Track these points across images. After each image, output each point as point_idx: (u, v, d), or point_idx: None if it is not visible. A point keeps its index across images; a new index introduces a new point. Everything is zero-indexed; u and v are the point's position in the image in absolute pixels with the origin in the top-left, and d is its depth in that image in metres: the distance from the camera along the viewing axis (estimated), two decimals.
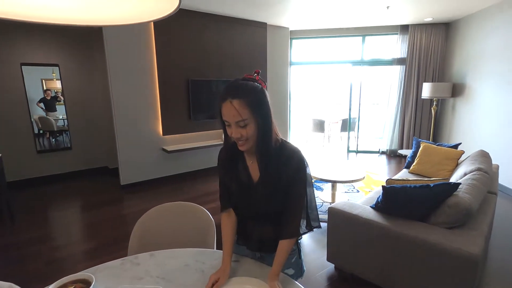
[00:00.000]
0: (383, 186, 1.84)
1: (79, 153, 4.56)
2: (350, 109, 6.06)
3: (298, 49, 6.02)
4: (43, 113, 4.22)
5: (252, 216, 1.09)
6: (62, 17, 0.84)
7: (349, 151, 6.25)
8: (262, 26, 4.98)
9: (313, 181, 1.12)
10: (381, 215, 1.87)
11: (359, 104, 6.04)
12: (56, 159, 4.40)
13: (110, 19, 0.90)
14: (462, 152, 3.01)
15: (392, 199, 1.81)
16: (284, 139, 1.05)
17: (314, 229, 1.09)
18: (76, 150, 4.54)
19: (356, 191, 3.85)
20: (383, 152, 6.00)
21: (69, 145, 4.50)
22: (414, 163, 3.26)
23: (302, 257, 1.19)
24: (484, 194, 1.99)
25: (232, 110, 0.89)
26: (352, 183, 4.07)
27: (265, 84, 0.98)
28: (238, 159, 1.06)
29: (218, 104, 0.93)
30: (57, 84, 4.28)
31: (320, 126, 7.05)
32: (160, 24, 3.90)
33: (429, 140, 5.23)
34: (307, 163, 1.03)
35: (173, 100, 4.21)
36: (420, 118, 5.52)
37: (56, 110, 4.33)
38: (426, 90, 4.86)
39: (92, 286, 0.88)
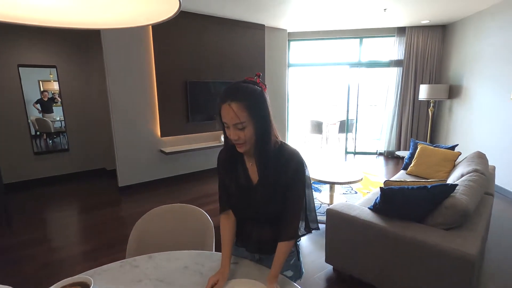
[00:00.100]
0: (381, 188, 1.85)
1: (76, 155, 4.54)
2: (348, 111, 6.08)
3: (296, 51, 6.05)
4: (39, 115, 4.20)
5: (251, 217, 1.10)
6: (61, 20, 0.84)
7: (347, 153, 6.26)
8: (260, 28, 4.99)
9: (311, 182, 1.13)
10: (379, 217, 1.87)
11: (357, 105, 6.07)
12: (53, 160, 4.38)
13: (109, 22, 0.90)
14: (459, 154, 3.03)
15: (390, 200, 1.81)
16: (283, 141, 1.06)
17: (313, 231, 1.10)
18: (73, 152, 4.52)
19: (354, 192, 3.87)
20: (380, 154, 6.02)
21: (66, 147, 4.48)
22: (411, 165, 3.28)
23: (301, 258, 1.19)
24: (481, 195, 2.01)
25: (230, 112, 0.90)
26: (350, 185, 4.09)
27: (265, 87, 0.98)
28: (238, 161, 1.06)
29: (217, 105, 0.93)
30: (55, 86, 4.26)
31: (318, 127, 7.06)
32: (158, 26, 3.90)
33: (426, 141, 5.25)
34: (306, 165, 1.04)
35: (171, 102, 4.20)
36: (417, 119, 5.56)
37: (53, 112, 4.31)
38: (423, 91, 4.89)
39: None
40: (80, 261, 2.40)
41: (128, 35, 3.76)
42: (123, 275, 1.06)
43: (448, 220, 1.68)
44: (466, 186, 1.90)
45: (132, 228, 1.41)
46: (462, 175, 2.28)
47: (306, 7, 4.07)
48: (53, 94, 4.27)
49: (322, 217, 2.87)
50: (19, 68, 3.93)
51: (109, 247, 2.60)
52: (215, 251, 1.28)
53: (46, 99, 4.21)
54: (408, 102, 5.52)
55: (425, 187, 1.75)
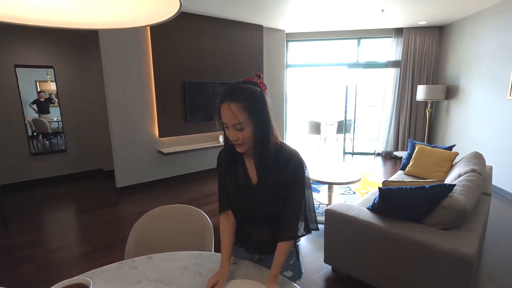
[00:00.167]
0: (379, 188, 1.85)
1: (73, 156, 4.52)
2: (345, 111, 6.10)
3: (294, 52, 6.06)
4: (36, 115, 4.18)
5: (251, 218, 1.09)
6: (60, 20, 0.84)
7: (345, 153, 6.28)
8: (259, 28, 5.00)
9: (311, 183, 1.13)
10: (378, 217, 1.88)
11: (355, 106, 6.09)
12: (50, 161, 4.35)
13: (109, 22, 0.89)
14: (457, 154, 3.05)
15: (389, 200, 1.82)
16: (283, 141, 1.06)
17: (312, 232, 1.09)
18: (70, 153, 4.49)
19: (352, 192, 3.87)
20: (378, 154, 6.04)
21: (63, 148, 4.45)
22: (409, 165, 3.29)
23: (301, 259, 1.19)
24: (479, 195, 2.02)
25: (229, 112, 0.90)
26: (348, 185, 4.10)
27: (266, 87, 0.98)
28: (238, 161, 1.06)
29: (217, 105, 0.93)
30: (51, 86, 4.24)
31: (316, 128, 7.08)
32: (157, 26, 3.90)
33: (423, 141, 5.28)
34: (305, 165, 1.04)
35: (170, 102, 4.19)
36: (415, 120, 5.58)
37: (49, 112, 4.28)
38: (421, 92, 4.91)
39: None
40: (78, 262, 2.38)
41: (126, 36, 3.75)
42: (122, 276, 1.05)
43: (446, 220, 1.69)
44: (464, 186, 1.92)
45: (131, 229, 1.41)
46: (460, 175, 2.29)
47: (304, 7, 4.08)
48: (50, 94, 4.24)
49: (320, 218, 2.87)
50: (16, 68, 3.91)
51: (107, 248, 2.59)
52: (214, 251, 1.28)
53: (42, 100, 4.19)
54: (405, 102, 5.54)
55: (423, 187, 1.76)
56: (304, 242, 2.63)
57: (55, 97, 4.28)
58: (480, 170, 2.26)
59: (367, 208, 2.00)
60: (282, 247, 0.99)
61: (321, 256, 2.22)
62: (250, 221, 1.10)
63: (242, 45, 4.83)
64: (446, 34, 5.17)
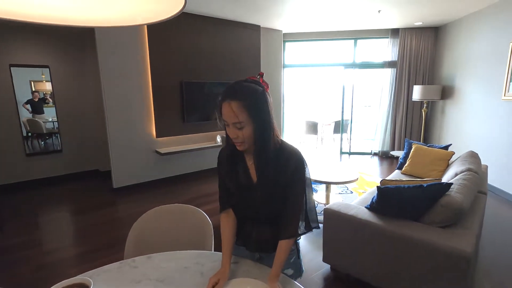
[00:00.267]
0: (377, 187, 1.87)
1: (69, 156, 4.48)
2: (342, 111, 6.13)
3: (291, 52, 6.07)
4: (30, 115, 4.13)
5: (251, 216, 1.10)
6: (57, 17, 0.82)
7: (342, 153, 6.31)
8: (256, 28, 5.00)
9: (311, 181, 1.13)
10: (376, 215, 1.89)
11: (352, 106, 6.12)
12: (46, 162, 4.31)
13: (106, 20, 0.88)
14: (453, 153, 3.08)
15: (387, 199, 1.83)
16: (283, 140, 1.06)
17: (305, 234, 1.09)
18: (66, 153, 4.46)
19: (349, 192, 3.89)
20: (375, 154, 6.08)
21: (59, 148, 4.42)
22: (406, 164, 3.31)
23: (301, 257, 1.20)
24: (475, 194, 2.05)
25: (230, 111, 0.90)
26: (346, 184, 4.12)
27: (268, 86, 0.98)
28: (239, 160, 1.06)
29: (218, 103, 0.93)
30: (46, 86, 4.20)
31: (313, 128, 7.10)
32: (153, 26, 3.88)
33: (420, 141, 5.32)
34: (306, 164, 1.04)
35: (167, 102, 4.18)
36: (411, 120, 5.63)
37: (43, 113, 4.23)
38: (417, 92, 4.96)
39: None
40: (76, 263, 2.36)
41: (123, 35, 3.72)
42: (122, 275, 1.05)
43: (443, 218, 1.71)
44: (461, 185, 1.94)
45: (130, 229, 1.40)
46: (456, 174, 2.31)
47: (302, 8, 4.09)
48: (44, 94, 4.20)
49: (319, 217, 2.88)
50: (11, 68, 3.87)
51: (105, 248, 2.57)
52: (215, 251, 1.27)
53: (36, 100, 4.14)
54: (401, 102, 5.58)
55: (421, 186, 1.77)
56: (302, 241, 2.63)
57: (50, 97, 4.24)
58: (476, 169, 2.29)
59: (365, 207, 2.01)
60: (283, 245, 1.00)
61: (319, 255, 2.23)
62: (251, 220, 1.10)
63: (240, 45, 4.83)
64: (441, 34, 5.22)
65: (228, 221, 1.10)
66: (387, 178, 2.26)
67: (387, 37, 5.54)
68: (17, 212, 3.34)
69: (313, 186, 4.09)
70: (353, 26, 5.25)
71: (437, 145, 3.42)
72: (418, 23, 5.07)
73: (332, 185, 3.72)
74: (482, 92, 4.10)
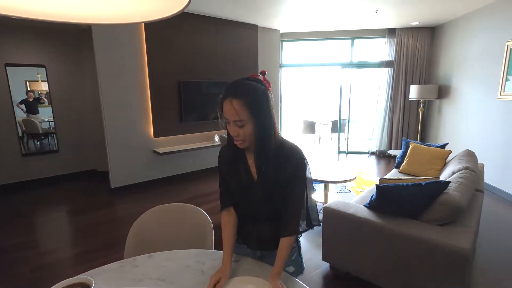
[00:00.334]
0: (376, 185, 1.88)
1: (66, 156, 4.45)
2: (340, 111, 6.15)
3: (289, 51, 6.08)
4: (24, 115, 4.09)
5: (252, 215, 1.10)
6: (55, 14, 0.81)
7: (339, 152, 6.33)
8: (253, 28, 5.00)
9: (312, 179, 1.13)
10: (375, 214, 1.90)
11: (349, 105, 6.14)
12: (42, 162, 4.27)
13: (104, 17, 0.87)
14: (450, 152, 3.10)
15: (386, 197, 1.84)
16: (283, 137, 1.06)
17: (306, 231, 1.09)
18: (63, 153, 4.42)
19: (347, 191, 3.91)
20: (372, 153, 6.11)
21: (55, 148, 4.38)
22: (403, 163, 3.34)
23: (302, 254, 1.20)
24: (472, 192, 2.06)
25: (231, 109, 0.90)
26: (344, 183, 4.13)
27: (270, 85, 0.98)
28: (240, 158, 1.06)
29: (220, 100, 0.93)
30: (42, 86, 4.16)
31: (310, 127, 7.11)
32: (151, 25, 3.87)
33: (417, 140, 5.36)
34: (307, 161, 1.04)
35: (164, 102, 4.16)
36: (408, 119, 5.66)
37: (38, 113, 4.19)
38: (413, 92, 4.99)
39: None
40: (74, 263, 2.35)
41: (120, 34, 3.70)
42: (123, 275, 1.04)
43: (442, 216, 1.72)
44: (458, 183, 1.95)
45: (129, 229, 1.39)
46: (453, 173, 2.33)
47: (299, 8, 4.10)
48: (39, 94, 4.15)
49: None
50: (7, 67, 3.83)
51: (104, 248, 2.56)
52: (215, 249, 1.27)
53: (31, 100, 4.10)
54: (398, 102, 5.62)
55: (419, 184, 1.79)
56: (301, 240, 2.63)
57: (45, 97, 4.19)
58: (473, 168, 2.31)
59: (364, 205, 2.02)
60: (284, 243, 1.00)
61: (318, 254, 2.23)
62: (252, 218, 1.10)
63: (238, 45, 4.83)
64: (438, 34, 5.26)
65: (229, 220, 1.10)
66: (385, 177, 2.27)
67: (384, 37, 5.57)
68: (14, 213, 3.31)
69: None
70: (350, 26, 5.27)
71: (434, 144, 3.45)
72: (414, 23, 5.10)
73: (330, 184, 3.73)
74: (478, 91, 4.14)
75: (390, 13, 4.42)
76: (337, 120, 6.37)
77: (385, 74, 5.65)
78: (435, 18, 4.73)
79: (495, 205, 3.40)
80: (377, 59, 5.78)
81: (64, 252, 2.50)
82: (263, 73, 1.00)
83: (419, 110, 5.22)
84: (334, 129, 6.81)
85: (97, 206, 3.49)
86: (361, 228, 1.89)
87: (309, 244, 2.56)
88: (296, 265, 1.15)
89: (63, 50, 4.21)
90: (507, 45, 3.53)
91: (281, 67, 5.85)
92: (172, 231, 1.46)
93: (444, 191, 1.79)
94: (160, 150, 4.09)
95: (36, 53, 4.02)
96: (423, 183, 1.78)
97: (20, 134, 4.07)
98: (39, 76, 4.12)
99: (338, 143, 6.36)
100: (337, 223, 2.02)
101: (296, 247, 1.16)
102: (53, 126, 4.33)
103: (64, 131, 4.39)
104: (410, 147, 3.38)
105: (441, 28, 5.15)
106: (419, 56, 5.42)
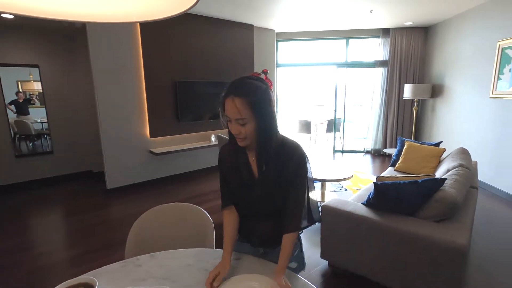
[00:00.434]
0: (374, 183, 1.90)
1: (61, 157, 4.40)
2: (335, 110, 6.19)
3: (285, 51, 6.10)
4: (14, 116, 4.01)
5: (254, 212, 1.10)
6: (49, 11, 0.79)
7: (335, 151, 6.38)
8: (249, 28, 5.01)
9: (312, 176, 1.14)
10: (373, 211, 1.92)
11: (344, 105, 6.19)
12: (36, 163, 4.22)
13: (101, 15, 0.86)
14: (444, 150, 3.15)
15: (383, 195, 1.87)
16: (284, 135, 1.06)
17: (308, 227, 1.11)
18: (58, 154, 4.37)
19: (344, 189, 3.94)
20: (367, 152, 6.16)
21: (50, 149, 4.32)
22: (399, 161, 3.38)
23: (303, 250, 1.21)
24: (467, 188, 2.10)
25: (233, 107, 0.91)
26: (340, 182, 4.16)
27: (271, 84, 0.99)
28: (241, 156, 1.06)
29: (221, 99, 0.94)
30: (34, 86, 4.10)
31: (306, 127, 7.15)
32: (147, 25, 3.84)
33: (411, 139, 5.43)
34: (307, 158, 1.06)
35: (160, 102, 4.14)
36: (402, 118, 5.73)
37: (28, 114, 4.12)
38: (407, 91, 5.05)
39: None
40: (69, 266, 2.32)
41: (115, 34, 3.67)
42: (126, 274, 1.04)
43: (438, 212, 1.75)
44: (454, 180, 1.99)
45: (127, 230, 1.39)
46: (448, 170, 2.37)
47: (294, 7, 4.12)
48: (30, 95, 4.09)
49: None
50: None
51: (103, 249, 2.54)
52: (216, 248, 1.28)
53: (21, 101, 4.03)
54: (393, 101, 5.68)
55: (416, 181, 1.81)
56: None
57: (36, 98, 4.13)
58: (467, 165, 2.36)
59: (362, 203, 2.04)
60: (287, 239, 1.01)
61: (317, 252, 2.25)
62: (253, 215, 1.11)
63: (233, 45, 4.83)
64: (431, 34, 5.34)
65: (230, 218, 1.11)
66: (382, 175, 2.30)
67: (378, 37, 5.62)
68: (9, 215, 3.26)
69: None
70: (345, 25, 5.32)
71: (428, 142, 3.50)
72: (408, 23, 5.16)
73: (327, 183, 3.75)
74: (470, 90, 4.21)
75: (384, 13, 4.47)
76: (333, 120, 6.41)
77: (380, 73, 5.71)
78: (428, 18, 4.80)
79: (488, 202, 3.47)
80: (371, 59, 5.84)
81: (60, 254, 2.47)
82: (265, 72, 1.01)
83: (413, 109, 5.29)
84: (330, 128, 6.86)
85: (93, 207, 3.45)
86: (359, 225, 1.91)
87: (308, 242, 2.58)
88: (298, 261, 1.17)
89: (57, 50, 4.16)
90: (499, 45, 3.60)
91: (276, 66, 5.87)
92: (173, 230, 1.46)
93: (440, 188, 1.82)
94: (157, 151, 4.07)
95: (29, 53, 3.96)
96: (420, 181, 1.81)
97: (12, 136, 4.01)
98: (31, 76, 4.07)
99: (334, 142, 6.40)
100: (335, 221, 2.04)
101: (298, 243, 1.17)
102: (46, 127, 4.27)
103: (59, 132, 4.34)
104: (405, 146, 3.42)
105: (434, 28, 5.23)
106: (412, 56, 5.49)
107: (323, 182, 3.39)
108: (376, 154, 5.99)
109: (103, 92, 3.66)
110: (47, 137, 4.30)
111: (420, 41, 5.43)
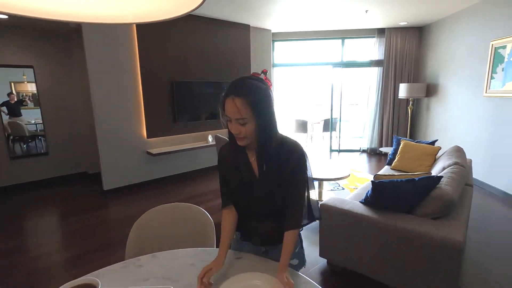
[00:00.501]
0: (372, 181, 1.92)
1: (56, 159, 4.36)
2: (331, 110, 6.23)
3: (281, 51, 6.12)
4: (6, 117, 3.96)
5: (254, 212, 1.11)
6: (44, 11, 0.77)
7: (331, 151, 6.41)
8: (245, 28, 5.01)
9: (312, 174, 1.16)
10: (371, 209, 1.94)
11: (340, 104, 6.23)
12: (31, 165, 4.17)
13: (100, 16, 0.86)
14: (439, 148, 3.19)
15: (381, 193, 1.89)
16: (283, 134, 1.07)
17: (308, 224, 1.12)
18: (53, 156, 4.33)
19: (341, 188, 3.97)
20: (364, 151, 6.21)
21: (45, 151, 4.28)
22: (395, 160, 3.41)
23: (303, 247, 1.23)
24: (463, 186, 2.14)
25: (233, 107, 0.91)
26: (337, 181, 4.19)
27: (271, 84, 1.00)
28: (241, 156, 1.07)
29: (221, 98, 0.94)
30: (28, 87, 4.05)
31: (303, 126, 7.18)
32: (143, 25, 3.83)
33: (406, 137, 5.48)
34: (307, 156, 1.07)
35: (157, 103, 4.13)
36: (398, 117, 5.79)
37: (21, 115, 4.06)
38: (403, 90, 5.10)
39: None
40: (67, 268, 2.30)
41: (111, 35, 3.65)
42: (128, 274, 1.04)
43: (435, 210, 1.78)
44: (449, 178, 2.02)
45: (125, 231, 1.39)
46: (444, 168, 2.40)
47: (290, 7, 4.14)
48: (22, 96, 4.03)
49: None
50: None
51: (102, 250, 2.52)
52: (217, 247, 1.28)
53: (13, 102, 3.97)
54: (388, 100, 5.73)
55: (413, 179, 1.84)
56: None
57: (29, 99, 4.07)
58: (462, 163, 2.39)
59: (360, 201, 2.06)
60: (289, 237, 1.01)
61: (316, 250, 2.27)
62: (254, 215, 1.12)
63: (230, 45, 4.83)
64: (425, 34, 5.40)
65: (229, 217, 1.11)
66: (379, 173, 2.33)
67: (374, 37, 5.67)
68: (7, 216, 3.22)
69: None
70: (341, 25, 5.35)
71: (424, 141, 3.54)
72: (403, 23, 5.21)
73: (324, 182, 3.78)
74: (464, 89, 4.27)
75: (379, 13, 4.51)
76: (329, 119, 6.45)
77: (375, 73, 5.76)
78: (422, 18, 4.85)
79: (483, 199, 3.52)
80: (367, 59, 5.88)
81: (59, 255, 2.45)
82: (265, 72, 1.02)
83: (408, 108, 5.34)
84: (326, 127, 6.90)
85: (89, 208, 3.43)
86: (357, 223, 1.93)
87: (307, 241, 2.60)
88: (299, 258, 1.18)
89: (52, 50, 4.13)
90: (492, 44, 3.66)
91: (273, 66, 5.88)
92: (173, 230, 1.46)
93: (437, 186, 1.85)
94: (154, 151, 4.06)
95: (24, 54, 3.92)
96: (417, 179, 1.83)
97: (6, 137, 3.96)
98: (25, 77, 4.02)
99: (330, 141, 6.44)
100: (333, 219, 2.06)
101: (299, 240, 1.18)
102: (41, 128, 4.23)
103: (54, 133, 4.30)
104: (401, 144, 3.46)
105: (428, 28, 5.29)
106: (407, 55, 5.54)
107: (320, 181, 3.41)
108: (372, 153, 6.04)
109: (99, 92, 3.64)
110: (42, 139, 4.26)
111: (414, 41, 5.49)
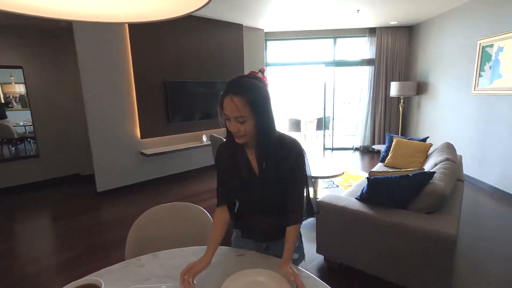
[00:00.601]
0: (367, 178, 1.95)
1: (47, 161, 4.28)
2: (324, 108, 6.28)
3: (274, 51, 6.14)
4: None
5: (254, 209, 1.12)
6: (33, 8, 0.74)
7: (325, 149, 6.47)
8: (238, 27, 5.01)
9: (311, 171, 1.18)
10: (366, 206, 1.98)
11: (333, 103, 6.29)
12: (22, 168, 4.09)
13: (92, 14, 0.85)
14: (430, 145, 3.26)
15: (376, 189, 1.92)
16: (280, 131, 1.08)
17: (305, 221, 1.13)
18: (44, 158, 4.25)
19: (336, 186, 4.01)
20: (356, 149, 6.29)
21: (35, 153, 4.20)
22: (388, 157, 3.47)
23: (303, 241, 1.25)
24: (454, 181, 2.19)
25: (232, 105, 0.92)
26: (331, 179, 4.23)
27: (268, 82, 1.02)
28: (240, 154, 1.08)
29: (220, 97, 0.95)
30: (16, 88, 3.96)
31: (296, 125, 7.22)
32: (135, 24, 3.79)
33: (398, 135, 5.57)
34: (305, 153, 1.09)
35: (151, 102, 4.09)
36: (390, 115, 5.88)
37: (6, 117, 3.96)
38: (394, 89, 5.19)
39: None
40: (61, 271, 2.27)
41: (103, 34, 3.60)
42: (129, 274, 1.04)
43: (428, 204, 1.82)
44: (442, 174, 2.07)
45: (121, 232, 1.38)
46: (436, 164, 2.46)
47: (283, 7, 4.16)
48: (8, 97, 3.93)
49: None
50: None
51: (93, 253, 2.49)
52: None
53: None
54: (380, 99, 5.82)
55: (407, 175, 1.88)
56: None
57: (16, 100, 3.97)
58: (453, 159, 2.45)
59: (355, 198, 2.10)
60: (291, 232, 1.03)
61: (313, 247, 2.29)
62: (255, 212, 1.13)
63: (222, 44, 4.82)
64: (415, 33, 5.49)
65: (221, 215, 1.12)
66: (373, 170, 2.36)
67: (365, 36, 5.74)
68: None
69: None
70: (333, 25, 5.40)
71: (415, 138, 3.61)
72: (393, 23, 5.30)
73: (319, 180, 3.81)
74: (453, 87, 4.36)
75: (370, 13, 4.57)
76: (322, 118, 6.51)
77: (367, 72, 5.84)
78: (412, 17, 4.94)
79: (473, 194, 3.61)
80: (358, 58, 5.95)
81: (50, 260, 2.41)
82: (262, 71, 1.03)
83: (400, 106, 5.44)
84: (319, 126, 6.96)
85: (83, 211, 3.38)
86: (353, 219, 1.96)
87: (304, 238, 2.59)
88: (299, 252, 1.20)
89: (42, 50, 4.04)
90: (479, 43, 3.75)
91: (266, 66, 5.90)
92: (172, 230, 1.46)
93: (430, 181, 1.89)
94: (148, 152, 4.02)
95: (12, 54, 3.83)
96: (411, 175, 1.87)
97: None
98: (12, 78, 3.93)
99: (324, 140, 6.50)
100: (330, 216, 2.09)
101: (299, 235, 1.20)
102: (30, 130, 4.14)
103: (44, 135, 4.22)
104: (394, 142, 3.52)
105: (418, 27, 5.39)
106: (398, 54, 5.63)
107: (315, 179, 3.44)
108: (365, 151, 6.12)
109: (91, 93, 3.59)
110: (31, 141, 4.17)
111: (405, 40, 5.58)
